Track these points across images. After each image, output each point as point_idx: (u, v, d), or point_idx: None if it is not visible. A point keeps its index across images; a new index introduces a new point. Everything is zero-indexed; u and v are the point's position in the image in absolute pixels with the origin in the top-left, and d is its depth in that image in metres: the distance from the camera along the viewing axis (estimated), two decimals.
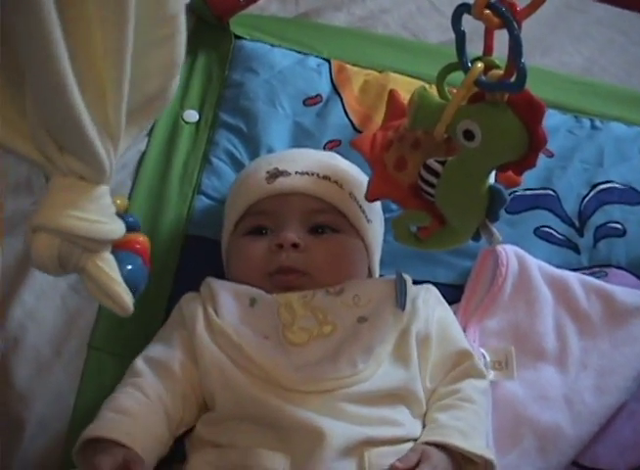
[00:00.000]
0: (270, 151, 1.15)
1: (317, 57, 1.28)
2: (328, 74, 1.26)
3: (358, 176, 1.02)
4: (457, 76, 0.80)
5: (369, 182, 0.89)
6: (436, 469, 0.82)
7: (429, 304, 0.95)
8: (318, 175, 0.98)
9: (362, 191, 0.91)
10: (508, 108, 0.75)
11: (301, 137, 1.18)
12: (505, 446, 0.94)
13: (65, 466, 0.93)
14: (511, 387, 0.98)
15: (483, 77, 0.76)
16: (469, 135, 0.76)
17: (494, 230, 0.82)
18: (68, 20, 0.56)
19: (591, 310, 1.04)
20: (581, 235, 1.15)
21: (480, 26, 0.76)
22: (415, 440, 0.86)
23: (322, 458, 0.80)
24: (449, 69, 0.83)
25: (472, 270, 1.08)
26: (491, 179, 0.80)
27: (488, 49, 0.79)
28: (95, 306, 1.01)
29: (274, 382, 0.84)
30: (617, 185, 1.19)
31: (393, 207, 1.03)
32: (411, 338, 0.90)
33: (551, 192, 1.18)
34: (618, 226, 1.15)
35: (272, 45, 1.29)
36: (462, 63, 0.78)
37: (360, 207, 0.98)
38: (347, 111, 1.22)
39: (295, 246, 0.94)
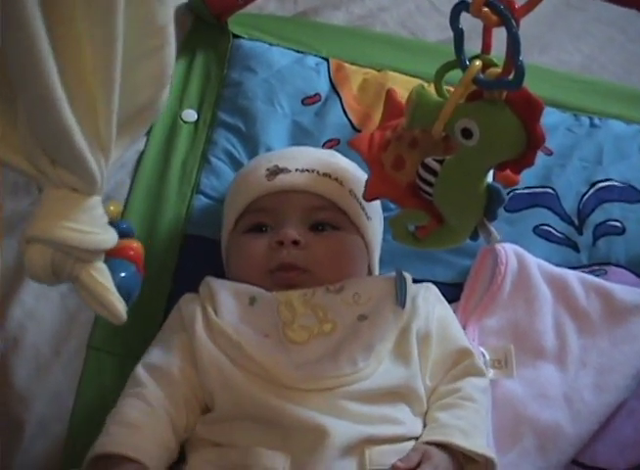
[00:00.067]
0: (269, 150, 1.15)
1: (316, 56, 1.28)
2: (326, 73, 1.26)
3: (358, 174, 1.02)
4: (455, 75, 0.80)
5: (367, 182, 0.89)
6: (438, 469, 0.82)
7: (429, 301, 0.95)
8: (318, 173, 0.98)
9: (362, 189, 0.91)
10: (506, 106, 0.75)
11: (300, 136, 1.18)
12: (505, 445, 0.94)
13: (64, 466, 0.94)
14: (510, 385, 0.98)
15: (481, 75, 0.76)
16: (467, 134, 0.76)
17: (492, 229, 0.82)
18: (57, 37, 0.57)
19: (590, 308, 1.04)
20: (581, 233, 1.15)
21: (479, 24, 0.76)
22: (416, 438, 0.86)
23: (323, 457, 0.79)
24: (447, 67, 0.83)
25: (471, 269, 1.08)
26: (489, 178, 0.80)
27: (486, 47, 0.78)
28: None
29: (274, 380, 0.84)
30: (616, 183, 1.19)
31: (392, 206, 1.03)
32: (411, 336, 0.90)
33: (550, 190, 1.18)
34: (618, 224, 1.15)
35: (270, 44, 1.29)
36: (460, 61, 0.78)
37: (360, 204, 0.98)
38: (346, 110, 1.22)
39: (295, 243, 0.93)
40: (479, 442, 0.85)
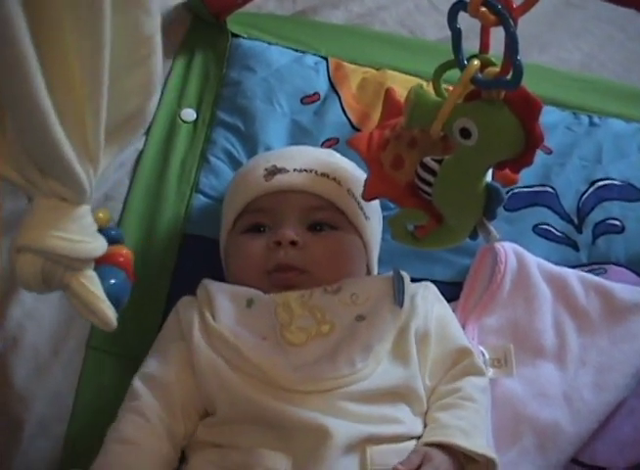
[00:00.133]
0: (268, 149, 1.14)
1: (314, 55, 1.28)
2: (325, 72, 1.25)
3: (356, 174, 1.01)
4: (454, 74, 0.80)
5: (366, 181, 0.89)
6: None
7: (427, 300, 0.94)
8: (316, 172, 0.98)
9: (360, 188, 0.90)
10: (504, 105, 0.75)
11: (299, 135, 1.18)
12: (504, 444, 0.94)
13: (64, 466, 0.94)
14: (510, 384, 0.98)
15: (480, 75, 0.76)
16: (465, 133, 0.76)
17: (492, 228, 0.81)
18: (45, 52, 0.58)
19: (590, 307, 1.04)
20: (580, 232, 1.15)
21: (477, 24, 0.76)
22: (416, 437, 0.86)
23: (326, 457, 0.79)
24: (446, 66, 0.83)
25: (470, 268, 1.08)
26: (488, 177, 0.80)
27: (485, 46, 0.78)
28: None
29: (272, 383, 0.84)
30: (615, 182, 1.19)
31: (391, 205, 1.03)
32: (410, 335, 0.89)
33: (549, 189, 1.17)
34: (617, 223, 1.15)
35: (269, 43, 1.28)
36: (458, 60, 0.78)
37: (358, 204, 0.98)
38: (345, 109, 1.21)
39: (293, 243, 0.93)
40: (479, 442, 0.85)
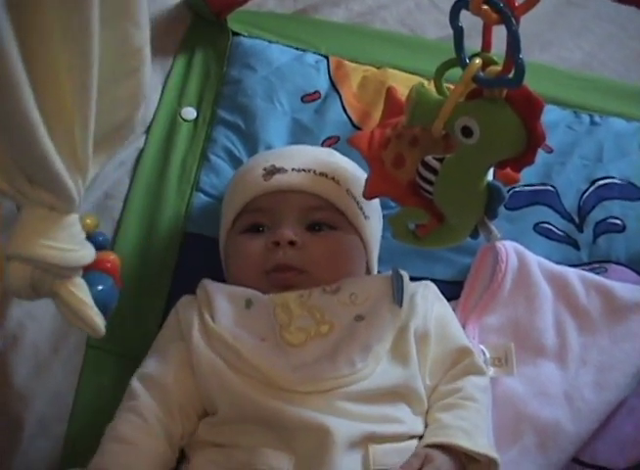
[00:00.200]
0: (268, 148, 1.14)
1: (315, 53, 1.27)
2: (326, 71, 1.25)
3: (356, 173, 1.01)
4: (455, 72, 0.80)
5: (367, 180, 0.89)
6: None
7: (427, 299, 0.94)
8: (315, 172, 0.98)
9: (360, 188, 0.90)
10: (506, 104, 0.75)
11: (300, 134, 1.18)
12: (505, 443, 0.94)
13: (64, 465, 0.94)
14: (511, 383, 0.98)
15: (481, 74, 0.76)
16: (467, 132, 0.76)
17: (493, 227, 0.81)
18: (33, 65, 0.58)
19: (591, 306, 1.04)
20: (581, 231, 1.15)
21: (479, 22, 0.76)
22: (417, 436, 0.86)
23: (328, 456, 0.79)
24: (447, 65, 0.83)
25: (471, 267, 1.08)
26: (490, 176, 0.80)
27: (486, 45, 0.78)
28: None
29: (272, 383, 0.83)
30: (616, 181, 1.19)
31: (392, 204, 1.03)
32: (409, 335, 0.89)
33: (550, 188, 1.17)
34: (618, 222, 1.15)
35: (270, 42, 1.28)
36: (460, 59, 0.78)
37: (358, 203, 0.98)
38: (346, 107, 1.21)
39: (292, 243, 0.93)
40: (481, 442, 0.85)
